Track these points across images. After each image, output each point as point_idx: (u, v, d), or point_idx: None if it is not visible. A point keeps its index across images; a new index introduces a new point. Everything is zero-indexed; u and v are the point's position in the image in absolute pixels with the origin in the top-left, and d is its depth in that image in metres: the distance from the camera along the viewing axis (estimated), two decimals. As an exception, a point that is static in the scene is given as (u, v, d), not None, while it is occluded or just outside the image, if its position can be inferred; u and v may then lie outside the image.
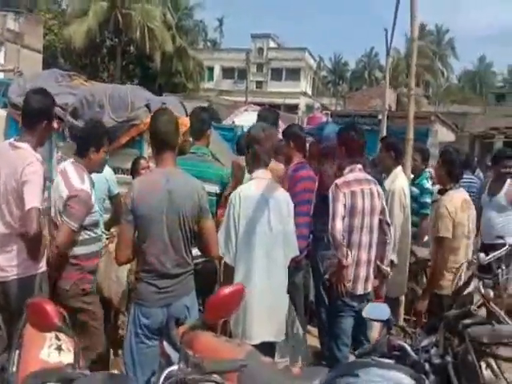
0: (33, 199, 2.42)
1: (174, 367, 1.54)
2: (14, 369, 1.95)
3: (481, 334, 2.02)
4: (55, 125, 4.30)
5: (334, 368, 2.05)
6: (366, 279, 2.99)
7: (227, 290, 1.61)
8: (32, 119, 2.58)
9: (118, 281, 3.15)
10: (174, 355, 1.92)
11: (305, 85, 39.99)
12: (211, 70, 38.24)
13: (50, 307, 1.51)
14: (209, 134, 3.28)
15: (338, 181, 3.01)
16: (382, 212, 3.06)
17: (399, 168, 3.77)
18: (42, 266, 2.62)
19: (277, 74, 39.47)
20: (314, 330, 4.09)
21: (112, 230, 3.39)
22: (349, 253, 2.92)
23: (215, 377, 1.54)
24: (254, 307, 2.58)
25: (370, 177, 3.15)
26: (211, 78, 38.88)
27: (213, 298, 1.59)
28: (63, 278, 2.68)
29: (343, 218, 2.91)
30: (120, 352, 3.34)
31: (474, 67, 58.83)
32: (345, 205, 2.91)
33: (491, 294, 2.64)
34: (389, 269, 3.14)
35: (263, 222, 2.65)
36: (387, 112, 7.88)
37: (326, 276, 3.14)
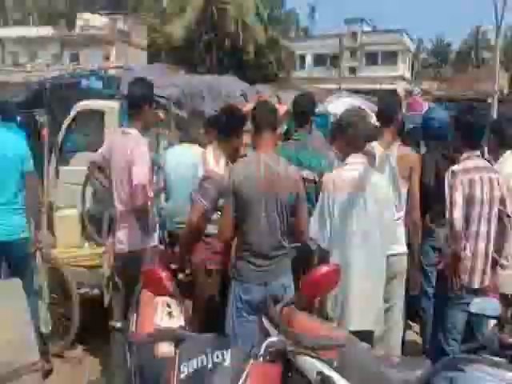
0: (139, 176, 2.71)
1: (275, 338, 1.61)
2: (133, 329, 2.22)
3: None
4: (161, 115, 4.69)
5: (437, 361, 1.96)
6: (484, 272, 2.80)
7: (324, 268, 1.64)
8: (135, 105, 2.88)
9: None
10: (272, 330, 2.00)
11: (402, 69, 37.86)
12: (303, 58, 37.94)
13: (164, 274, 1.66)
14: (312, 121, 3.32)
15: (455, 168, 2.83)
16: (502, 202, 2.82)
17: (508, 152, 3.44)
18: (153, 242, 2.94)
19: (372, 59, 37.89)
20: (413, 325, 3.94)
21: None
22: (467, 245, 2.76)
23: (315, 353, 1.57)
24: (352, 293, 2.57)
25: (489, 164, 2.95)
26: (303, 66, 38.59)
27: (310, 274, 1.63)
28: (192, 255, 2.90)
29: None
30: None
31: None
32: (462, 194, 2.74)
33: None
34: (507, 263, 2.90)
35: (359, 207, 2.61)
36: (498, 95, 7.20)
37: (440, 267, 2.97)
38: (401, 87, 33.33)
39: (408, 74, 38.74)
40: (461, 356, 1.96)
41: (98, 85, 5.64)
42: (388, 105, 3.34)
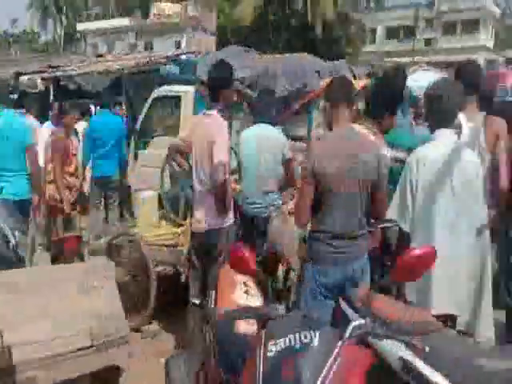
0: (219, 155, 2.80)
1: (361, 321, 1.57)
2: (212, 306, 2.28)
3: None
4: (235, 97, 4.74)
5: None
6: None
7: (418, 250, 1.55)
8: (216, 87, 2.96)
9: (289, 240, 3.33)
10: (351, 314, 1.95)
11: (485, 37, 34.78)
12: (373, 31, 36.19)
13: (249, 254, 1.68)
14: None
15: None
16: None
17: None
18: (229, 220, 3.01)
19: (450, 29, 35.18)
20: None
21: (284, 193, 3.60)
22: None
23: (403, 337, 1.52)
24: (433, 276, 2.42)
25: None
26: (373, 40, 36.83)
27: (404, 256, 1.55)
28: None
29: None
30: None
31: None
32: None
33: None
34: None
35: (445, 188, 2.45)
36: None
37: None
38: (482, 58, 30.76)
39: (491, 44, 35.52)
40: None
41: (175, 70, 5.83)
42: (468, 72, 3.10)
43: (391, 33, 37.06)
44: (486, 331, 2.81)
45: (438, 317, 2.28)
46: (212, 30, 22.31)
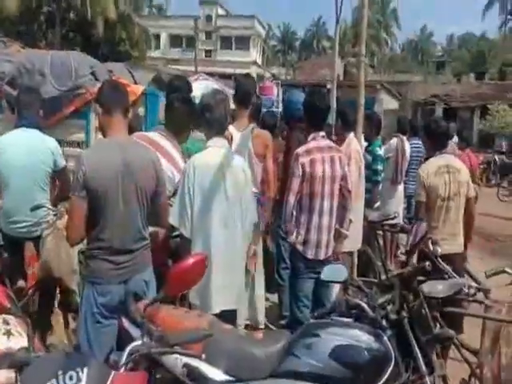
0: None
1: (138, 342, 1.51)
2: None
3: (434, 290, 2.13)
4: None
5: (295, 331, 2.10)
6: (327, 244, 3.06)
7: (189, 260, 1.58)
8: None
9: (68, 259, 3.02)
10: (134, 331, 1.88)
11: (255, 54, 39.44)
12: (158, 37, 36.70)
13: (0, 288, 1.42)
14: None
15: (299, 149, 3.04)
16: (344, 179, 3.11)
17: (351, 134, 3.84)
18: None
19: (226, 43, 38.62)
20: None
21: (59, 206, 3.23)
22: (294, 231, 3.02)
23: (179, 349, 1.53)
24: (212, 277, 2.55)
25: (333, 144, 3.19)
26: (158, 46, 37.35)
27: (174, 269, 1.56)
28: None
29: (303, 183, 2.95)
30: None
31: (416, 37, 60.50)
32: (304, 173, 2.95)
33: (439, 250, 2.79)
34: (347, 232, 3.23)
35: (219, 191, 2.61)
36: (336, 81, 7.98)
37: (289, 240, 3.18)
38: (254, 72, 34.85)
39: (260, 60, 40.54)
40: (315, 322, 2.13)
41: None
42: (245, 87, 3.40)
43: (174, 40, 38.28)
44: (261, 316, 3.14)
45: (218, 314, 2.43)
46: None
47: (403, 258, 5.56)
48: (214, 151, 2.67)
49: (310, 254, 3.01)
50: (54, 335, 3.36)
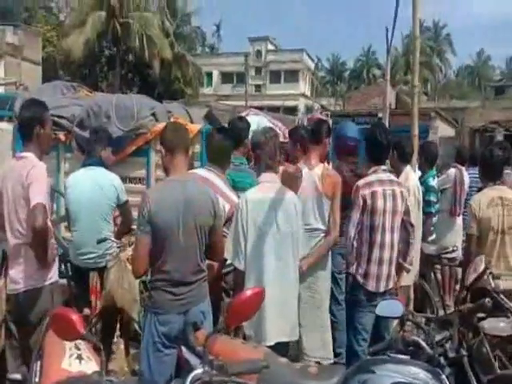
0: (38, 196, 2.48)
1: (199, 370, 1.57)
2: (37, 380, 1.99)
3: (495, 327, 2.05)
4: (62, 137, 4.42)
5: (350, 366, 2.09)
6: (388, 277, 3.04)
7: (247, 293, 1.64)
8: (25, 127, 2.68)
9: (130, 290, 3.19)
10: (193, 360, 1.95)
11: (303, 86, 40.05)
12: (210, 75, 38.33)
13: (74, 316, 1.55)
14: (246, 143, 3.36)
15: (360, 182, 3.07)
16: (406, 213, 3.10)
17: (408, 167, 3.81)
18: (52, 277, 2.67)
19: (275, 77, 39.56)
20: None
21: (123, 239, 3.44)
22: (355, 263, 3.04)
23: (238, 380, 1.58)
24: (266, 309, 2.59)
25: (394, 178, 3.20)
26: (210, 83, 38.98)
27: (234, 301, 1.63)
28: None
29: (363, 215, 2.99)
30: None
31: (473, 62, 58.86)
32: (365, 205, 2.97)
33: (501, 286, 2.67)
34: (411, 267, 3.19)
35: (271, 225, 2.69)
36: (388, 110, 7.95)
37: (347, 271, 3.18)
38: (302, 104, 35.34)
39: (308, 91, 41.08)
40: (371, 358, 2.11)
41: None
42: (316, 125, 3.49)
43: (226, 77, 39.83)
44: (321, 351, 3.10)
45: (272, 346, 2.46)
46: (38, 59, 20.57)
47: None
48: (265, 186, 2.78)
49: (370, 286, 3.00)
50: (114, 362, 3.52)
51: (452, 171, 5.34)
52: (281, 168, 3.17)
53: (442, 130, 14.84)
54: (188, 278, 2.33)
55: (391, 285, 3.07)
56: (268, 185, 2.78)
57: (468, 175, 5.44)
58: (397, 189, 3.08)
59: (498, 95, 32.56)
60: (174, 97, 21.75)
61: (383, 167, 3.13)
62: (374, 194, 2.99)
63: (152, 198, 2.29)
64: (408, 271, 3.26)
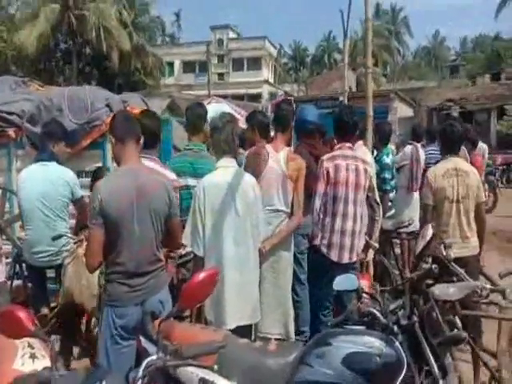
0: None
1: (153, 357, 1.59)
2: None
3: (444, 293, 2.14)
4: (12, 133, 4.26)
5: (308, 341, 2.15)
6: (351, 249, 3.15)
7: (201, 275, 1.66)
8: None
9: (89, 285, 3.12)
10: (152, 348, 1.93)
11: (267, 73, 39.99)
12: (171, 65, 37.70)
13: (21, 313, 1.50)
14: (206, 130, 3.31)
15: (324, 156, 3.25)
16: (371, 190, 3.24)
17: (360, 142, 3.91)
18: None
19: (238, 65, 39.32)
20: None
21: (80, 234, 3.37)
22: (319, 235, 3.16)
23: (193, 362, 1.59)
24: (226, 293, 2.63)
25: (358, 155, 3.33)
26: (172, 73, 38.34)
27: (188, 284, 1.64)
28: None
29: (327, 187, 3.13)
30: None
31: (429, 43, 60.25)
32: (328, 177, 3.13)
33: (452, 254, 2.79)
34: (376, 245, 3.31)
35: (229, 210, 2.69)
36: (348, 93, 8.04)
37: (314, 243, 3.27)
38: (266, 91, 35.29)
39: (271, 78, 41.05)
40: (327, 331, 2.17)
41: None
42: (283, 110, 3.49)
43: (188, 66, 39.22)
44: (282, 330, 3.15)
45: (234, 329, 2.48)
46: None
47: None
48: (222, 171, 2.77)
49: (333, 256, 3.11)
50: (77, 360, 3.45)
51: (408, 148, 5.49)
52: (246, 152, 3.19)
53: (401, 110, 15.18)
54: (144, 268, 2.29)
55: (354, 258, 3.16)
56: (225, 169, 2.76)
57: (426, 152, 5.60)
58: (360, 165, 3.22)
59: (452, 74, 33.48)
60: (135, 88, 21.27)
61: (348, 144, 3.28)
62: (336, 167, 3.15)
63: (102, 189, 2.23)
64: (374, 248, 3.36)
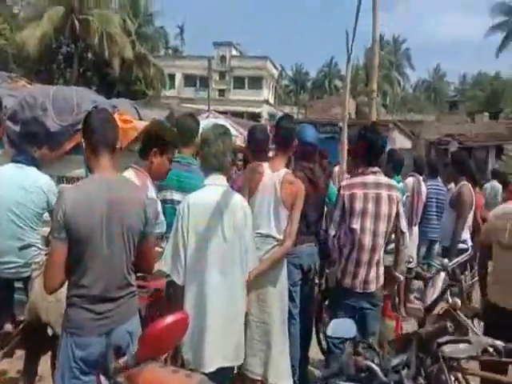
0: None
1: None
2: None
3: (456, 352, 1.85)
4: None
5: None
6: (366, 278, 2.88)
7: (166, 320, 1.34)
8: None
9: (56, 302, 2.81)
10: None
11: (267, 93, 40.22)
12: (172, 77, 37.73)
13: None
14: (196, 143, 3.04)
15: (343, 182, 3.04)
16: (397, 218, 2.92)
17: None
18: None
19: (239, 83, 39.50)
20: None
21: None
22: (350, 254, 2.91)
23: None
24: (207, 331, 2.31)
25: (383, 180, 2.95)
26: (172, 85, 38.36)
27: (148, 330, 1.33)
28: None
29: (344, 217, 2.90)
30: None
31: (429, 76, 61.35)
32: (344, 207, 2.90)
33: (459, 303, 2.51)
34: (401, 277, 3.05)
35: (216, 234, 2.38)
36: (347, 119, 7.88)
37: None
38: (265, 111, 35.37)
39: (272, 99, 41.26)
40: (319, 387, 1.87)
41: None
42: (285, 129, 3.13)
43: (189, 80, 39.32)
44: (278, 379, 2.82)
45: (214, 372, 2.17)
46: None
47: (416, 303, 5.23)
48: (210, 189, 2.47)
49: (346, 283, 2.88)
50: (42, 382, 3.16)
51: (410, 180, 5.28)
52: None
53: (400, 141, 15.16)
54: (112, 293, 1.97)
55: (372, 288, 2.88)
56: (213, 188, 2.46)
57: (428, 186, 5.39)
58: (383, 192, 2.88)
59: (452, 110, 33.94)
60: (134, 97, 21.11)
61: (373, 169, 2.92)
62: (352, 196, 2.87)
63: (68, 198, 1.91)
64: (399, 280, 3.11)
